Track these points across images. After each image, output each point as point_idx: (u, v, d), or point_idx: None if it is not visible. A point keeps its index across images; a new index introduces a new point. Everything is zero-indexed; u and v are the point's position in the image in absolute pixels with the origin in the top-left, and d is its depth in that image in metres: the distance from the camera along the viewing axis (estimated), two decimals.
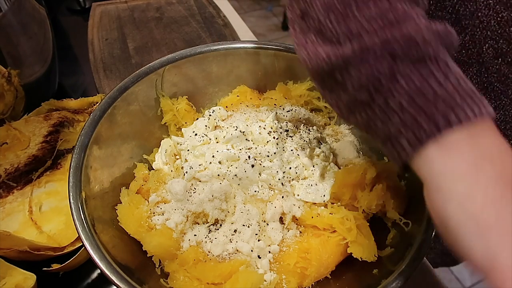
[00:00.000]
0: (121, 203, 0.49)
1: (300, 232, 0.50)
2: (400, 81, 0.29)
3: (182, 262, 0.46)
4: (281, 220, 0.50)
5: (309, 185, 0.50)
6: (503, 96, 0.51)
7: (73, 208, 0.42)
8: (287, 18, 0.62)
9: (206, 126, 0.55)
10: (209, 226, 0.49)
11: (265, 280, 0.45)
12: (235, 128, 0.51)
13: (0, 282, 0.46)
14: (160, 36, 0.87)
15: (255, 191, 0.49)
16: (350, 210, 0.48)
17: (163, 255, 0.46)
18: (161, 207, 0.49)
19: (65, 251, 0.51)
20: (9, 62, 0.59)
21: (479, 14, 0.48)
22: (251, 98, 0.61)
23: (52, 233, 0.53)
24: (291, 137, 0.53)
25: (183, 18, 0.92)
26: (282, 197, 0.50)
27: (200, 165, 0.50)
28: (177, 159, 0.56)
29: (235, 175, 0.49)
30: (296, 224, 0.50)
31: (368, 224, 0.48)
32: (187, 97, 0.59)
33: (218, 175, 0.49)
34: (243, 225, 0.48)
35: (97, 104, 0.53)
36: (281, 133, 0.53)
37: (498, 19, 0.46)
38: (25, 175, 0.58)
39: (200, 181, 0.50)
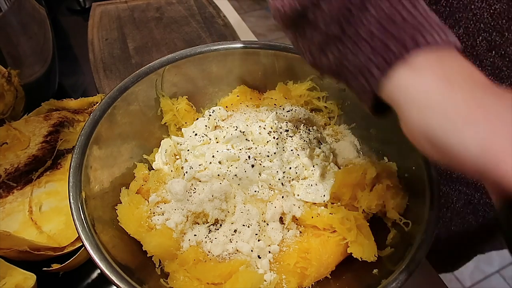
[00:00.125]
0: (121, 203, 0.49)
1: (300, 232, 0.50)
2: (370, 9, 0.30)
3: (182, 262, 0.46)
4: (281, 220, 0.50)
5: (309, 185, 0.50)
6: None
7: (73, 208, 0.42)
8: None
9: (206, 126, 0.55)
10: (209, 226, 0.49)
11: (265, 280, 0.45)
12: (235, 128, 0.51)
13: (0, 282, 0.46)
14: (160, 36, 0.87)
15: (255, 191, 0.49)
16: (350, 210, 0.48)
17: (163, 255, 0.46)
18: (161, 207, 0.49)
19: (65, 251, 0.51)
20: (9, 62, 0.59)
21: (472, 7, 0.48)
22: (251, 98, 0.61)
23: (52, 233, 0.53)
24: (291, 137, 0.53)
25: (183, 18, 0.92)
26: (282, 197, 0.50)
27: (200, 165, 0.50)
28: (177, 159, 0.56)
29: (235, 175, 0.49)
30: (296, 224, 0.50)
31: (368, 224, 0.48)
32: (187, 97, 0.59)
33: (218, 175, 0.49)
34: (243, 225, 0.48)
35: (97, 104, 0.53)
36: (281, 133, 0.53)
37: (491, 11, 0.47)
38: (25, 175, 0.58)
39: (200, 181, 0.50)
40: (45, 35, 0.67)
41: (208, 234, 0.48)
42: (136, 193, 0.51)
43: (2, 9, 0.55)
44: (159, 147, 0.57)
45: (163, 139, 0.58)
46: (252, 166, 0.49)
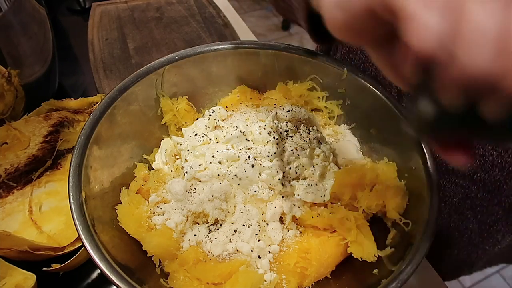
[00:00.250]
0: (121, 203, 0.49)
1: (300, 232, 0.50)
2: None
3: (182, 262, 0.46)
4: (281, 220, 0.50)
5: (309, 185, 0.50)
6: None
7: (73, 208, 0.42)
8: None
9: (206, 126, 0.55)
10: (209, 226, 0.49)
11: (265, 280, 0.45)
12: (235, 128, 0.51)
13: (0, 282, 0.46)
14: (160, 36, 0.87)
15: (255, 191, 0.49)
16: (350, 210, 0.48)
17: (163, 255, 0.46)
18: (161, 207, 0.49)
19: (65, 251, 0.51)
20: (9, 62, 0.59)
21: None
22: (251, 98, 0.61)
23: (52, 233, 0.53)
24: (291, 137, 0.53)
25: (183, 18, 0.92)
26: (282, 197, 0.50)
27: (200, 165, 0.50)
28: (177, 159, 0.56)
29: (235, 175, 0.49)
30: (296, 224, 0.50)
31: (368, 224, 0.48)
32: (187, 97, 0.59)
33: (218, 175, 0.49)
34: (243, 225, 0.48)
35: (97, 104, 0.53)
36: (281, 133, 0.53)
37: None
38: (25, 175, 0.58)
39: (200, 181, 0.50)
40: (45, 35, 0.67)
41: (208, 234, 0.48)
42: (136, 193, 0.51)
43: (2, 9, 0.55)
44: (159, 147, 0.57)
45: (163, 139, 0.58)
46: (252, 166, 0.49)
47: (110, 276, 0.39)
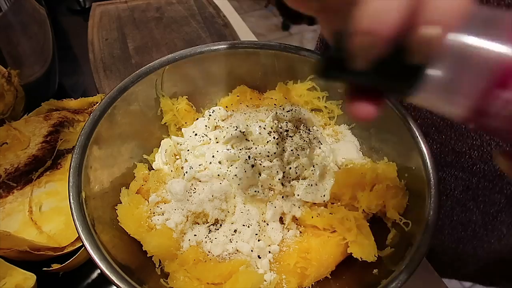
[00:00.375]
0: (121, 203, 0.49)
1: (300, 232, 0.50)
2: None
3: (182, 262, 0.46)
4: (281, 220, 0.50)
5: (309, 185, 0.50)
6: None
7: (73, 208, 0.42)
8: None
9: (206, 126, 0.55)
10: (209, 226, 0.49)
11: (265, 280, 0.45)
12: (235, 128, 0.51)
13: (0, 282, 0.46)
14: (160, 36, 0.87)
15: (255, 191, 0.49)
16: (350, 210, 0.48)
17: (163, 255, 0.46)
18: (161, 207, 0.49)
19: (65, 251, 0.51)
20: (9, 62, 0.59)
21: None
22: (251, 98, 0.60)
23: (52, 233, 0.53)
24: (291, 137, 0.53)
25: (183, 18, 0.92)
26: (282, 197, 0.50)
27: (200, 165, 0.50)
28: (177, 159, 0.56)
29: (235, 175, 0.49)
30: (296, 224, 0.50)
31: (368, 224, 0.48)
32: (187, 97, 0.59)
33: (218, 175, 0.49)
34: (243, 225, 0.48)
35: (97, 104, 0.53)
36: (281, 133, 0.53)
37: None
38: (25, 175, 0.58)
39: (200, 181, 0.50)
40: (45, 35, 0.67)
41: (208, 234, 0.48)
42: (136, 193, 0.51)
43: (2, 9, 0.55)
44: (159, 147, 0.57)
45: (163, 139, 0.58)
46: (252, 166, 0.49)
47: (110, 276, 0.39)
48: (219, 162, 0.50)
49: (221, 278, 0.44)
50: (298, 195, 0.49)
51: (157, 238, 0.46)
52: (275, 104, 0.59)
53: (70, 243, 0.51)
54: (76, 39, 0.91)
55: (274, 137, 0.51)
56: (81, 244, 0.41)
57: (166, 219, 0.48)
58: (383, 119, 0.53)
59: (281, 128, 0.54)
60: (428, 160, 0.46)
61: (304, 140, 0.53)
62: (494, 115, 0.23)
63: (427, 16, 0.22)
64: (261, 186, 0.50)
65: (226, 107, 0.59)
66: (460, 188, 0.64)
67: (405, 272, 0.40)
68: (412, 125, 0.48)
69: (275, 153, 0.50)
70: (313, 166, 0.51)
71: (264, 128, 0.52)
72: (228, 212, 0.49)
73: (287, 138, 0.53)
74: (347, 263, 0.48)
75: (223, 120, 0.57)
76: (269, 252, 0.47)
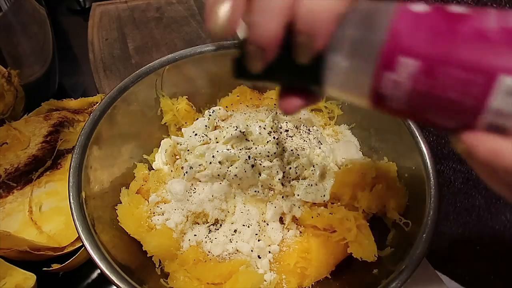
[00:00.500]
0: (121, 203, 0.49)
1: (300, 232, 0.50)
2: None
3: (182, 262, 0.46)
4: (281, 220, 0.50)
5: (309, 185, 0.50)
6: None
7: (73, 208, 0.42)
8: None
9: (206, 126, 0.54)
10: (209, 226, 0.49)
11: (265, 280, 0.45)
12: (235, 128, 0.51)
13: (0, 282, 0.46)
14: (160, 36, 0.87)
15: (255, 191, 0.49)
16: (350, 210, 0.48)
17: (163, 255, 0.46)
18: (161, 207, 0.49)
19: (65, 251, 0.51)
20: (9, 62, 0.59)
21: None
22: (251, 98, 0.60)
23: (52, 233, 0.53)
24: (291, 137, 0.53)
25: (183, 18, 0.92)
26: (282, 197, 0.50)
27: (200, 165, 0.50)
28: (177, 159, 0.56)
29: (235, 175, 0.48)
30: (296, 224, 0.50)
31: (368, 224, 0.48)
32: (187, 97, 0.59)
33: (218, 175, 0.49)
34: (243, 225, 0.48)
35: (97, 104, 0.53)
36: (281, 133, 0.53)
37: None
38: (25, 175, 0.58)
39: (200, 181, 0.50)
40: (45, 35, 0.67)
41: (208, 234, 0.48)
42: (136, 193, 0.51)
43: (2, 9, 0.55)
44: (159, 147, 0.57)
45: (163, 139, 0.58)
46: (252, 166, 0.49)
47: (110, 276, 0.39)
48: (219, 162, 0.50)
49: (221, 278, 0.44)
50: (298, 195, 0.49)
51: (157, 238, 0.46)
52: (275, 104, 0.59)
53: (70, 243, 0.52)
54: (76, 39, 0.91)
55: (274, 137, 0.51)
56: (81, 244, 0.41)
57: (166, 219, 0.48)
58: (383, 119, 0.53)
59: (281, 128, 0.54)
60: (428, 160, 0.46)
61: (304, 140, 0.53)
62: (390, 98, 0.23)
63: (300, 25, 0.24)
64: (261, 186, 0.50)
65: (226, 107, 0.59)
66: (460, 180, 0.64)
67: (405, 272, 0.40)
68: (412, 125, 0.48)
69: (275, 153, 0.50)
70: (313, 166, 0.51)
71: (264, 128, 0.51)
72: (228, 212, 0.49)
73: (287, 138, 0.53)
74: (347, 263, 0.48)
75: (223, 120, 0.57)
76: (269, 252, 0.47)
